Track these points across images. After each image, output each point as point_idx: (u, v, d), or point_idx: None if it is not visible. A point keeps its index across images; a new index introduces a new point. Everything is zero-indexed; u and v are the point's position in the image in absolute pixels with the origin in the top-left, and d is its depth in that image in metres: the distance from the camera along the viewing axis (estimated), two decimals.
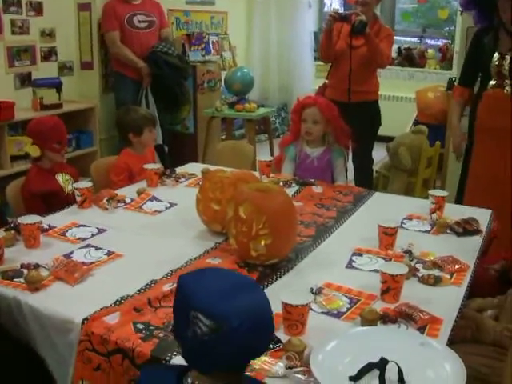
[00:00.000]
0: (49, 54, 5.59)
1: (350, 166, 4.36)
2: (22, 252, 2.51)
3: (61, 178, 3.44)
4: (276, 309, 1.93)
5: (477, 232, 2.78)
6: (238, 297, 1.39)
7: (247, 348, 1.39)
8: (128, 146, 3.90)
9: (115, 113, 5.67)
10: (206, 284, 1.42)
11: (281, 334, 1.85)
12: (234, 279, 1.48)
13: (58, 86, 5.38)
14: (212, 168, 3.47)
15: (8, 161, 4.94)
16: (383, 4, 6.38)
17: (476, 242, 2.71)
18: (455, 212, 3.01)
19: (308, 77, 8.62)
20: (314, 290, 2.12)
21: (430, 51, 8.23)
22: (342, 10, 8.65)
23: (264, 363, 1.69)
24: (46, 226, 2.73)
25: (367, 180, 4.73)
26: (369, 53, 4.42)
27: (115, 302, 2.07)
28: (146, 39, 5.63)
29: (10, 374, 2.09)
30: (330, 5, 9.22)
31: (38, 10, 5.41)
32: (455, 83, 5.14)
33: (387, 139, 5.57)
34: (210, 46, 7.12)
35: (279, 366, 1.67)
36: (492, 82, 3.74)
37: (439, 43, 8.39)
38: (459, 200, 3.97)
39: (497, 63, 3.72)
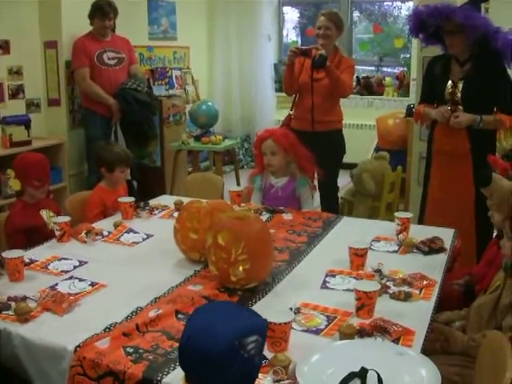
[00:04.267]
0: (16, 92, 5.65)
1: (317, 192, 4.47)
2: (7, 285, 2.58)
3: (45, 214, 3.50)
4: None
5: (442, 250, 2.93)
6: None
7: None
8: (99, 181, 4.01)
9: (86, 147, 5.79)
10: (229, 314, 1.55)
11: (265, 351, 1.96)
12: (228, 303, 1.63)
13: (26, 123, 5.43)
14: (184, 200, 3.59)
15: None
16: None
17: (441, 259, 2.86)
18: (420, 232, 3.16)
19: (270, 108, 8.78)
20: (293, 310, 2.24)
21: (388, 79, 8.45)
22: (300, 42, 8.90)
23: None
24: (27, 260, 2.79)
25: (333, 206, 4.84)
26: (331, 85, 4.56)
27: (105, 329, 2.16)
28: (115, 76, 5.72)
29: None
30: (286, 35, 9.40)
31: (5, 48, 5.48)
32: (413, 109, 5.34)
33: (350, 166, 5.71)
34: (174, 80, 7.27)
35: (267, 381, 1.78)
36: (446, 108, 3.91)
37: (396, 71, 8.62)
38: (421, 221, 4.12)
39: (450, 90, 3.89)
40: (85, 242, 3.12)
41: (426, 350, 2.06)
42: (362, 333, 2.07)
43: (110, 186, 3.94)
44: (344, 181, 5.82)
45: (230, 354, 1.44)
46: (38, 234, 3.30)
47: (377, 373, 1.71)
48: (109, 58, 5.72)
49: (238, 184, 6.15)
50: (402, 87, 8.29)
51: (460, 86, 3.84)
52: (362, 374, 1.71)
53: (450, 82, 3.88)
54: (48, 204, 3.59)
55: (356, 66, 5.11)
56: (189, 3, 7.99)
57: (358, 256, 2.68)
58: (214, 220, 2.59)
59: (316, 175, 3.93)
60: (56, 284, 2.58)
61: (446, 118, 3.84)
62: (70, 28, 5.79)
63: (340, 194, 5.40)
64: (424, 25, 3.87)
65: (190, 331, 1.52)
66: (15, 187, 3.44)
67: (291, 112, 4.92)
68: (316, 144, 3.91)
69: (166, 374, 1.88)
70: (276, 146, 3.66)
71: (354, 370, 1.73)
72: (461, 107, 3.85)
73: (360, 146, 6.61)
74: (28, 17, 5.71)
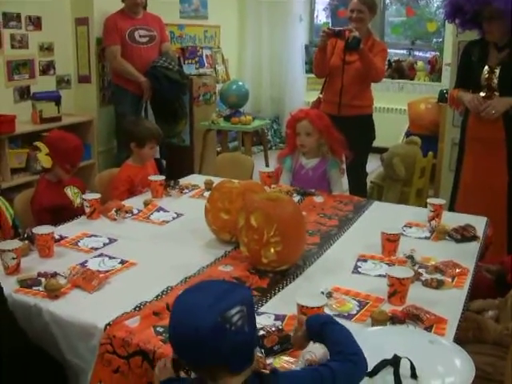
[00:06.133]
0: (47, 68, 5.68)
1: (345, 176, 4.42)
2: (37, 261, 2.59)
3: (70, 191, 3.49)
4: (289, 311, 2.05)
5: (474, 238, 2.89)
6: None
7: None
8: (128, 158, 4.00)
9: (115, 124, 5.81)
10: (213, 288, 1.54)
11: None
12: (207, 282, 1.68)
13: (57, 99, 5.47)
14: (214, 179, 3.58)
15: (9, 173, 5.00)
16: None
17: (474, 247, 2.82)
18: (452, 219, 3.11)
19: (300, 89, 8.73)
20: (324, 294, 2.22)
21: (420, 63, 8.36)
22: (331, 24, 8.81)
23: (284, 362, 1.78)
24: (57, 237, 2.80)
25: (361, 193, 4.77)
26: (363, 68, 4.49)
27: (135, 308, 2.15)
28: (146, 54, 5.71)
29: (29, 380, 2.16)
30: (316, 17, 9.31)
31: (37, 24, 5.50)
32: (446, 95, 5.27)
33: (380, 150, 5.66)
34: (204, 59, 7.25)
35: (299, 365, 1.75)
36: (482, 94, 3.84)
37: (428, 55, 8.51)
38: (452, 208, 4.07)
39: (486, 76, 3.82)
40: (114, 219, 3.12)
41: (458, 339, 2.04)
42: (394, 320, 2.04)
43: (138, 162, 3.93)
44: (374, 165, 5.79)
45: (216, 332, 1.42)
46: (64, 212, 3.30)
47: (410, 361, 1.69)
48: (140, 36, 5.70)
49: (267, 165, 6.11)
50: (434, 72, 8.18)
51: (497, 71, 3.77)
52: (395, 361, 1.69)
53: (486, 67, 3.81)
54: (71, 181, 3.57)
55: (388, 50, 5.03)
56: None
57: (391, 241, 2.65)
58: (246, 201, 2.57)
59: (344, 159, 3.88)
60: (86, 261, 2.58)
61: (478, 109, 3.77)
62: (102, 5, 5.80)
63: (370, 178, 5.36)
64: (461, 10, 3.79)
65: (174, 319, 1.51)
66: (46, 164, 3.38)
67: (321, 95, 4.86)
68: (345, 128, 3.84)
69: None
70: (311, 127, 3.64)
71: (386, 357, 1.71)
72: (497, 93, 3.78)
73: (390, 130, 6.54)
74: None
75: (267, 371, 1.65)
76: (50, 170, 3.44)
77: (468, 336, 2.30)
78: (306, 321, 1.76)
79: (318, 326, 1.71)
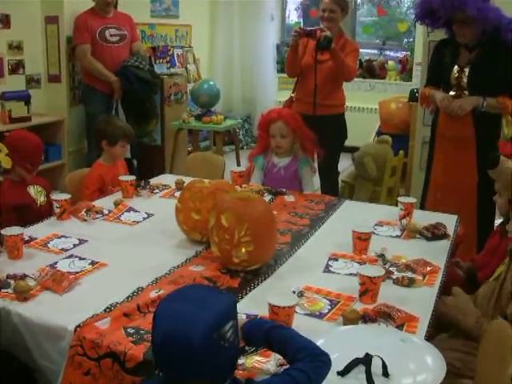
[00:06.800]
0: (16, 67, 5.59)
1: (317, 175, 4.43)
2: (6, 263, 2.55)
3: (33, 190, 3.48)
4: (261, 311, 2.04)
5: (445, 236, 2.91)
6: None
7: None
8: (98, 158, 3.99)
9: (86, 124, 5.74)
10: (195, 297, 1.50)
11: None
12: (192, 288, 1.62)
13: (26, 98, 5.39)
14: (185, 179, 3.56)
15: None
16: None
17: (444, 245, 2.84)
18: (423, 218, 3.14)
19: (271, 89, 8.73)
20: (296, 293, 2.22)
21: (390, 63, 8.41)
22: (302, 23, 8.82)
23: (255, 362, 1.78)
24: (27, 238, 2.76)
25: (333, 191, 4.79)
26: (335, 67, 4.49)
27: (105, 309, 2.13)
28: (117, 53, 5.66)
29: None
30: (288, 16, 9.32)
31: (6, 22, 5.42)
32: (417, 94, 5.31)
33: (351, 149, 5.68)
34: (175, 58, 7.22)
35: (270, 364, 1.76)
36: (452, 93, 3.87)
37: (399, 55, 8.58)
38: (423, 206, 4.09)
39: (456, 75, 3.85)
40: (85, 220, 3.09)
41: (440, 324, 2.05)
42: (365, 318, 2.05)
43: (108, 161, 3.93)
44: (345, 164, 5.80)
45: (210, 349, 1.39)
46: (27, 211, 3.31)
47: (381, 359, 1.70)
48: (111, 35, 5.65)
49: (239, 164, 6.12)
50: (405, 71, 8.24)
51: (466, 71, 3.80)
52: (367, 360, 1.70)
53: (456, 66, 3.84)
54: (35, 180, 3.55)
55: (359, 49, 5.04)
56: None
57: (362, 240, 2.66)
58: (217, 201, 2.57)
59: (316, 158, 3.88)
60: (56, 262, 2.55)
61: (448, 109, 3.80)
62: (72, 3, 5.73)
63: (341, 177, 5.38)
64: (433, 14, 3.81)
65: (163, 332, 1.44)
66: (6, 164, 3.36)
67: (293, 94, 4.86)
68: (317, 128, 3.82)
69: None
70: (286, 128, 3.63)
71: (358, 356, 1.72)
72: (466, 92, 3.82)
73: (361, 130, 6.55)
74: None
75: (239, 373, 1.64)
76: (11, 170, 3.43)
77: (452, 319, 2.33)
78: (241, 327, 1.69)
79: (262, 333, 1.66)
